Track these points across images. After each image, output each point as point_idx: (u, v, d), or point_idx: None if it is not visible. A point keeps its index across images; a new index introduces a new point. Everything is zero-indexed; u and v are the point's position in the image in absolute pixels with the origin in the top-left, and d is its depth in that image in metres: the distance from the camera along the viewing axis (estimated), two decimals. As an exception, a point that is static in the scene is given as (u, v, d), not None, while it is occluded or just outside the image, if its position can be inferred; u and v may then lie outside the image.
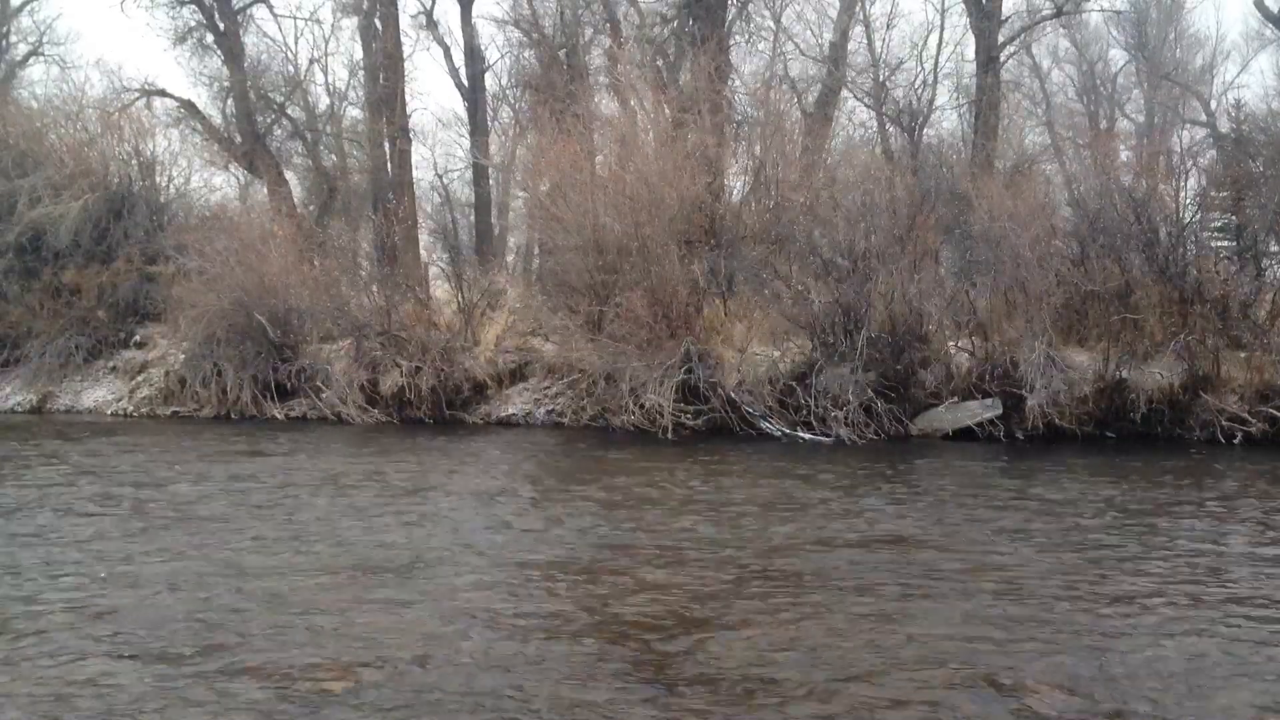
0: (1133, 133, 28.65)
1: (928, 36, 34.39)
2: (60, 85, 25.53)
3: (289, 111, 25.60)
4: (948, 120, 28.29)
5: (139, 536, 7.05)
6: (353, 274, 17.91)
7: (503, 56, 27.23)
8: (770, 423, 13.00)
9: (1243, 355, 12.27)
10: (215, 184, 23.73)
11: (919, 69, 25.91)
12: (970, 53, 24.12)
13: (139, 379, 17.78)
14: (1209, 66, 32.33)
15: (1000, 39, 22.60)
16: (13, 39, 28.68)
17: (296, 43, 37.69)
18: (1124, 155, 18.29)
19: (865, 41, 25.58)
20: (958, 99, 27.51)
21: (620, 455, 11.46)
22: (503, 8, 35.45)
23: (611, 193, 14.77)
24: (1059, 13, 24.12)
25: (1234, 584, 5.59)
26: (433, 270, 19.36)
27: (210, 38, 24.38)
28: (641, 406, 13.27)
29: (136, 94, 23.06)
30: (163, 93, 23.79)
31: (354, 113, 26.49)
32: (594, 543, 6.74)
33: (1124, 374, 12.20)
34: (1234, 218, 14.54)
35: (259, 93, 24.81)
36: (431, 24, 26.64)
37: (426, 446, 12.36)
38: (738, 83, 21.67)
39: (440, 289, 17.74)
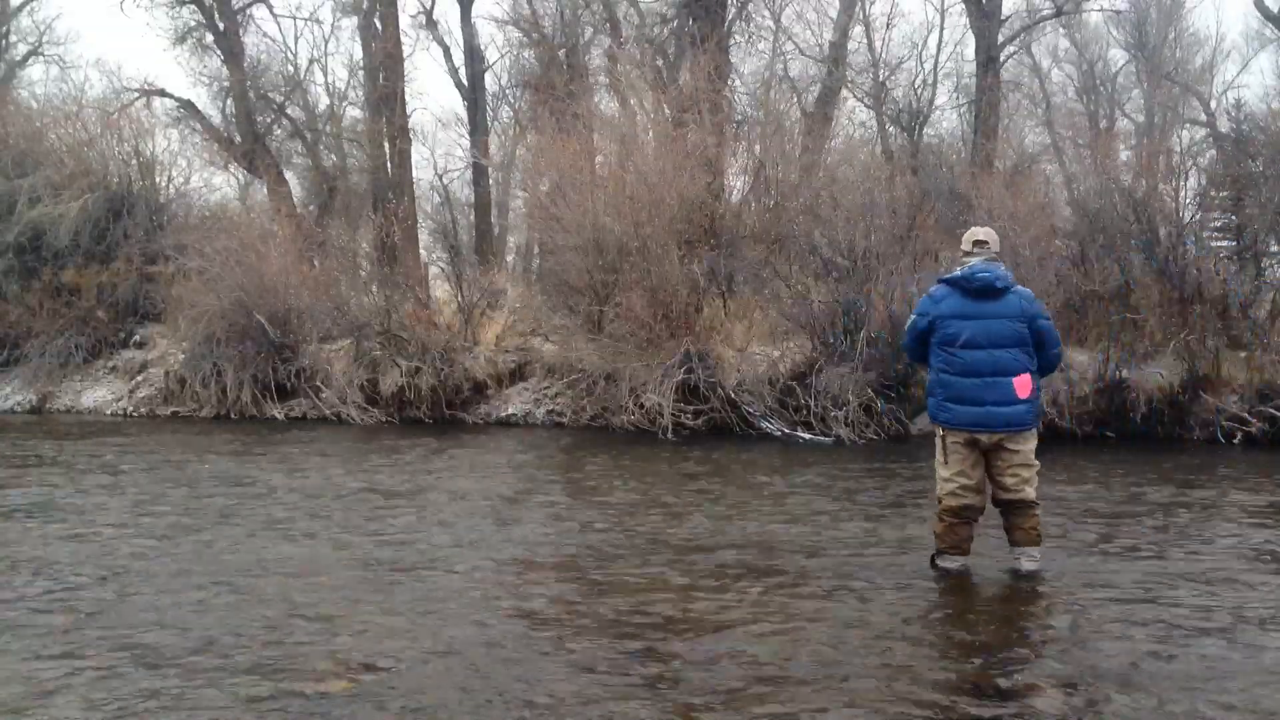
0: (1133, 133, 28.68)
1: (928, 36, 34.63)
2: (60, 85, 25.70)
3: (289, 111, 25.63)
4: (948, 120, 28.41)
5: (137, 534, 7.05)
6: (353, 274, 17.92)
7: (503, 56, 27.33)
8: (770, 422, 13.00)
9: (1243, 355, 12.27)
10: (215, 184, 23.76)
11: (919, 69, 26.03)
12: (970, 53, 24.23)
13: (139, 379, 17.79)
14: (1209, 66, 32.40)
15: (1000, 39, 22.64)
16: (12, 39, 28.73)
17: (296, 43, 37.84)
18: (1124, 155, 18.28)
19: (865, 41, 25.67)
20: (958, 99, 27.62)
21: (620, 455, 11.46)
22: (503, 8, 35.51)
23: (611, 192, 14.77)
24: (1059, 13, 24.18)
25: (1235, 584, 5.59)
26: (433, 270, 19.38)
27: (210, 38, 24.42)
28: (641, 406, 13.28)
29: (136, 94, 23.08)
30: (162, 93, 23.82)
31: (354, 113, 26.53)
32: (594, 542, 6.74)
33: (1124, 374, 12.20)
34: (1234, 218, 14.54)
35: (259, 93, 24.84)
36: (431, 24, 26.67)
37: (427, 446, 12.36)
38: (738, 83, 21.71)
39: (440, 289, 17.74)
